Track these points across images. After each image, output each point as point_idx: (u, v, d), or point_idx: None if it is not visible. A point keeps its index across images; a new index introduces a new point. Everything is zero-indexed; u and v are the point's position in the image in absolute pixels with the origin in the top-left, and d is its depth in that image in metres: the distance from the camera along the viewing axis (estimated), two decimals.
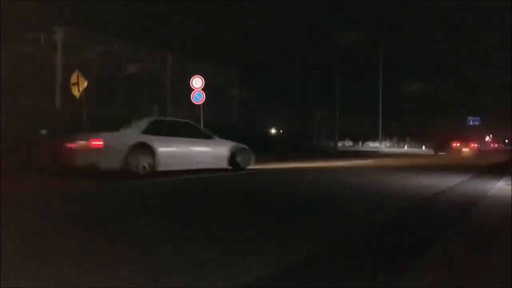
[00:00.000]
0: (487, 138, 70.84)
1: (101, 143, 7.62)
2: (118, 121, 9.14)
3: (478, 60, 60.74)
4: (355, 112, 46.36)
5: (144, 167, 7.87)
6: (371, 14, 54.70)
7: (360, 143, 58.27)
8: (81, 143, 7.89)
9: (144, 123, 8.49)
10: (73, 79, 11.58)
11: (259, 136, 22.92)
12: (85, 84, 11.38)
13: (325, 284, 2.23)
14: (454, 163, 16.32)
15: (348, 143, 58.30)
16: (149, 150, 7.96)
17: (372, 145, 48.91)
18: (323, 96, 38.11)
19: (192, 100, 13.92)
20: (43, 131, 11.80)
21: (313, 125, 38.44)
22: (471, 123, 50.87)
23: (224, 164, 9.54)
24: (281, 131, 39.82)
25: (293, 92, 39.01)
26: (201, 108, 13.86)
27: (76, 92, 11.50)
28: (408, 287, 2.19)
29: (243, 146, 10.14)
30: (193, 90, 13.94)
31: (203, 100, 13.87)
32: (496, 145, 72.40)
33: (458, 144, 32.87)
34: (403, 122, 54.33)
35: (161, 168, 8.12)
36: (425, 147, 49.69)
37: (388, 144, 53.35)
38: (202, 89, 13.95)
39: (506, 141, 74.41)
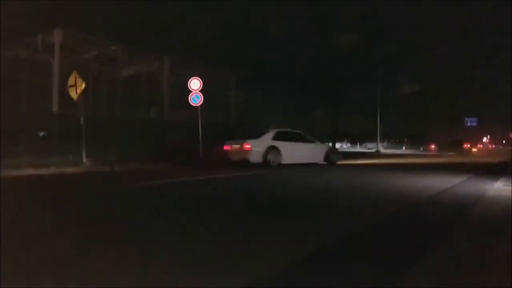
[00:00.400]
0: (485, 139, 71.02)
1: (250, 146, 12.18)
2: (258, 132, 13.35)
3: (475, 62, 60.92)
4: (353, 113, 46.38)
5: (274, 161, 12.33)
6: (371, 18, 54.84)
7: (358, 145, 58.31)
8: (235, 146, 12.67)
9: (272, 133, 12.96)
10: (71, 81, 11.53)
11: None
12: (83, 86, 11.34)
13: None
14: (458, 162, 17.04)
15: (347, 145, 58.33)
16: (277, 150, 12.48)
17: (370, 146, 48.94)
18: (322, 98, 38.15)
19: (190, 102, 13.93)
20: (42, 133, 11.77)
21: (313, 127, 38.45)
22: (468, 124, 50.91)
23: (321, 160, 13.90)
24: None
25: (291, 94, 39.04)
26: (199, 110, 13.87)
27: (73, 94, 11.46)
28: (407, 287, 2.18)
29: (335, 148, 14.97)
30: (191, 91, 13.95)
31: (201, 102, 13.88)
32: (494, 145, 72.53)
33: (468, 145, 37.97)
34: (401, 123, 54.41)
35: (283, 162, 12.57)
36: (423, 148, 49.78)
37: (386, 145, 53.39)
38: (200, 91, 13.96)
39: (504, 141, 74.56)
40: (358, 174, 10.86)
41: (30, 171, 9.14)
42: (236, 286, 2.10)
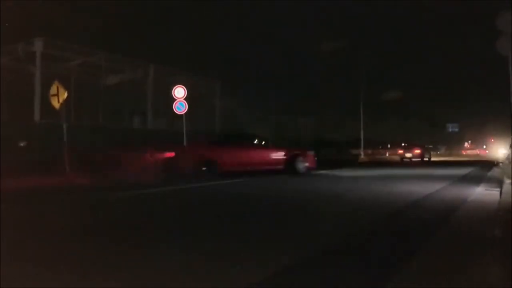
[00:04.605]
0: (466, 144, 72.32)
1: None
2: None
3: (458, 67, 62.16)
4: (336, 120, 46.77)
5: None
6: (355, 24, 55.61)
7: (342, 151, 58.53)
8: None
9: None
10: (53, 90, 11.39)
11: None
12: (65, 95, 11.21)
13: None
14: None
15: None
16: None
17: (354, 153, 49.14)
18: (304, 105, 38.49)
19: (175, 110, 13.88)
20: (22, 143, 11.58)
21: (294, 134, 38.59)
22: (450, 129, 51.82)
23: None
24: (263, 142, 39.82)
25: (274, 101, 39.22)
26: (184, 118, 13.82)
27: (55, 103, 11.31)
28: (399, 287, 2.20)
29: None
30: (176, 100, 13.90)
31: (186, 110, 13.83)
32: (476, 150, 73.73)
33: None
34: (384, 130, 54.97)
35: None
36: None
37: (370, 152, 53.77)
38: (185, 99, 13.92)
39: (485, 146, 76.00)
40: None
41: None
42: (237, 286, 2.11)
